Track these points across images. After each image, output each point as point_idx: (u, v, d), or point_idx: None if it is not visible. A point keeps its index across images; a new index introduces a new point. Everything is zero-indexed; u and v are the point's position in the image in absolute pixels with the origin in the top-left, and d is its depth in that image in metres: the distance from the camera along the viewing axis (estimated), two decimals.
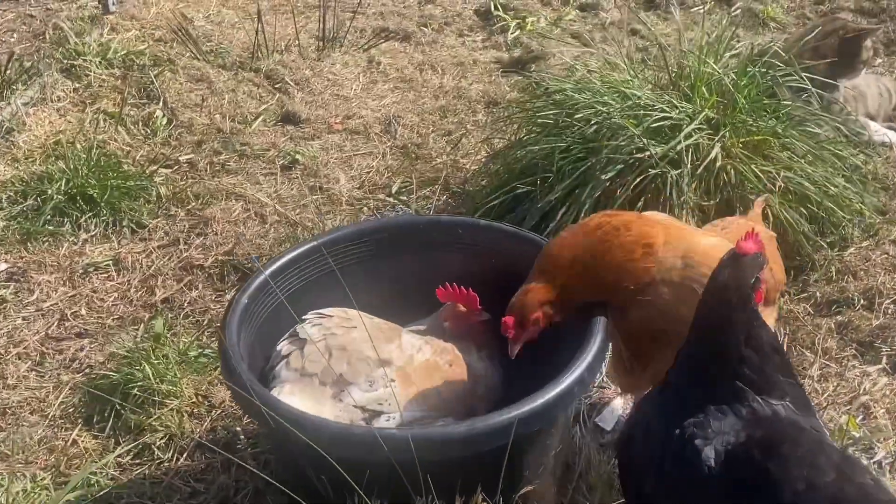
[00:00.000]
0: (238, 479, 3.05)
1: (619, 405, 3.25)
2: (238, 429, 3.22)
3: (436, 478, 2.33)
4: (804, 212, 3.68)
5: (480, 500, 2.38)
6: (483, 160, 4.35)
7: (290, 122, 4.84)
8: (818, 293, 3.61)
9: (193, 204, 4.25)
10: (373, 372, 2.69)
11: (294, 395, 2.62)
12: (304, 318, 2.81)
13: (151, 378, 3.26)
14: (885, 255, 3.73)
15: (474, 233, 3.02)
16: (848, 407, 3.11)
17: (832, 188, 3.73)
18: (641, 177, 3.62)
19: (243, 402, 2.48)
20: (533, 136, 4.03)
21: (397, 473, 2.31)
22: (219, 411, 3.30)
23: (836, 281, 3.64)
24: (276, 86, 5.08)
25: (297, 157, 4.55)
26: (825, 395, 3.20)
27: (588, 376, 2.45)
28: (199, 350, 3.46)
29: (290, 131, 4.76)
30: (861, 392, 3.19)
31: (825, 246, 3.71)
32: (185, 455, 3.14)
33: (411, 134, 4.76)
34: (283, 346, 2.79)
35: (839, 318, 3.49)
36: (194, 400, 3.32)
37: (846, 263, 3.70)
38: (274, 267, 2.85)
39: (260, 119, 4.81)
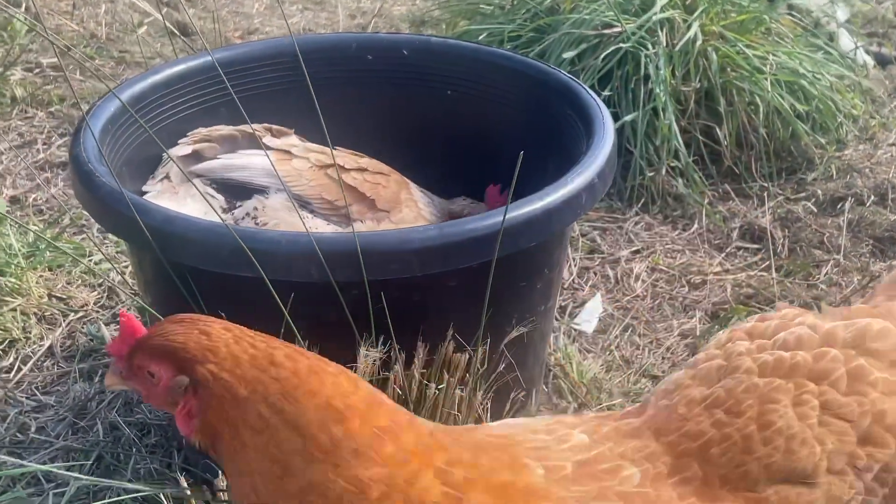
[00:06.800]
0: (102, 391, 2.26)
1: (599, 303, 2.58)
2: (103, 331, 2.42)
3: (391, 310, 1.60)
4: (797, 107, 3.13)
5: (451, 347, 1.65)
6: None
7: (179, 33, 4.08)
8: (819, 191, 3.03)
9: (58, 106, 3.47)
10: None
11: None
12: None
13: None
14: (890, 154, 3.19)
15: (427, 56, 2.30)
16: None
17: (827, 77, 3.18)
18: (610, 55, 3.02)
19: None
20: (475, 26, 3.40)
21: (331, 302, 1.58)
22: (79, 315, 2.50)
23: (839, 178, 3.08)
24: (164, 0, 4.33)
25: None
26: (850, 288, 2.60)
27: (599, 182, 1.77)
28: (54, 247, 2.66)
29: (180, 42, 4.00)
30: None
31: (823, 143, 3.15)
32: (29, 365, 2.33)
33: None
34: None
35: (849, 215, 2.91)
36: (46, 301, 2.51)
37: (847, 161, 3.15)
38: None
39: (143, 29, 4.04)
